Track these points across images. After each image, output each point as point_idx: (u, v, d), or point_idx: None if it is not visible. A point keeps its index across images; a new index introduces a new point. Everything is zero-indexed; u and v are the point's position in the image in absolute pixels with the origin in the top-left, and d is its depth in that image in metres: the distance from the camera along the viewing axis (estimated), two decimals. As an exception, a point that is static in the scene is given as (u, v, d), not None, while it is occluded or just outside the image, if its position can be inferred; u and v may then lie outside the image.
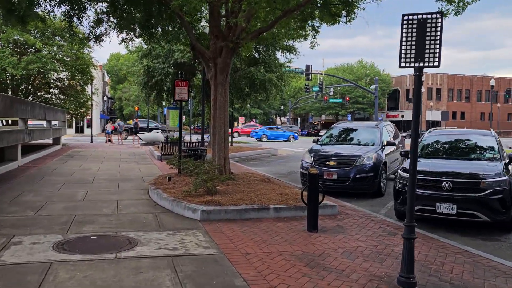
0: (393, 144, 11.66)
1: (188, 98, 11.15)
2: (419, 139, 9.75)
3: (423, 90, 52.25)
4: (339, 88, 66.22)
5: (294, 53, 22.78)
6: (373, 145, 11.40)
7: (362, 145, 11.48)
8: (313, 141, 12.76)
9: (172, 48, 19.71)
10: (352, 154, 10.72)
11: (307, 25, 12.17)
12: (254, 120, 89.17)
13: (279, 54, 22.55)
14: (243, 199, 8.06)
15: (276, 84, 21.32)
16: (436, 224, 7.84)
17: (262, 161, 20.79)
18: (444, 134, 9.52)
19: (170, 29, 11.42)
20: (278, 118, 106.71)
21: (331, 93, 56.24)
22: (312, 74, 37.19)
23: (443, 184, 7.31)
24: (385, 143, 11.55)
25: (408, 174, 8.00)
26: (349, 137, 12.10)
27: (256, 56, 22.03)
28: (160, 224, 7.02)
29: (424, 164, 7.95)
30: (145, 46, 20.97)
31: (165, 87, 22.00)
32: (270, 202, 7.99)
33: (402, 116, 70.42)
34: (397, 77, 76.83)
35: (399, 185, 7.87)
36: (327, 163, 10.68)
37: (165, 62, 19.80)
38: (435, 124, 69.94)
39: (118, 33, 10.75)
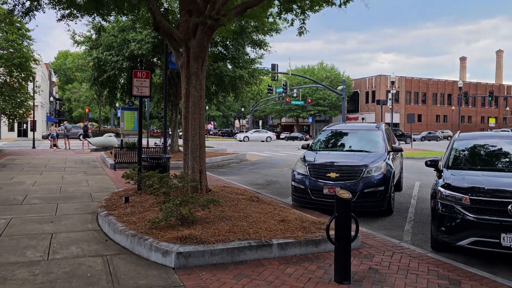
0: (400, 150, 9.75)
1: (150, 94, 8.69)
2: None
3: (392, 93, 52.41)
4: (300, 90, 65.00)
5: (265, 48, 20.76)
6: (378, 151, 9.43)
7: (365, 151, 9.47)
8: (303, 147, 10.63)
9: (128, 38, 16.99)
10: (357, 163, 8.68)
11: (295, 6, 10.05)
12: (212, 122, 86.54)
13: (249, 50, 20.33)
14: (233, 231, 5.76)
15: (248, 82, 19.08)
16: (492, 260, 5.90)
17: (231, 168, 18.50)
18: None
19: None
20: (237, 121, 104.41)
21: (294, 95, 54.74)
22: (278, 75, 35.32)
23: (509, 207, 5.37)
24: (390, 149, 9.62)
25: (459, 194, 5.65)
26: (347, 142, 10.06)
27: (222, 50, 19.74)
28: (113, 280, 4.58)
29: (473, 179, 6.00)
30: (94, 36, 18.12)
31: (119, 84, 19.17)
32: (271, 235, 5.74)
33: (363, 119, 70.34)
34: (357, 80, 76.88)
35: (442, 208, 5.86)
36: (328, 175, 8.58)
37: (118, 54, 17.03)
38: (395, 126, 70.36)
39: (55, 5, 8.11)
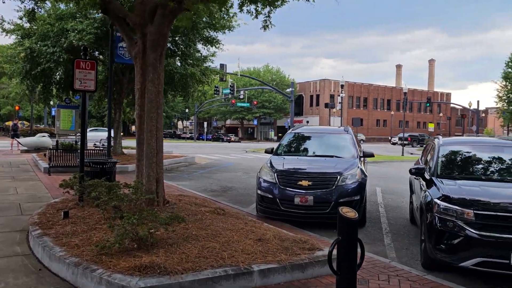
0: (371, 155, 9.15)
1: (96, 88, 7.38)
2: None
3: (342, 98, 53.24)
4: (246, 92, 64.38)
5: (217, 46, 19.71)
6: (349, 156, 8.75)
7: (336, 157, 8.76)
8: (266, 151, 9.74)
9: (66, 27, 15.20)
10: (330, 170, 7.92)
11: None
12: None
13: (200, 47, 19.14)
14: (203, 256, 4.72)
15: (200, 80, 17.89)
16: (495, 281, 5.31)
17: (181, 172, 17.23)
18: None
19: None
20: (180, 122, 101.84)
21: (241, 97, 53.97)
22: (226, 76, 34.34)
23: None
24: (361, 154, 8.99)
25: (460, 207, 4.96)
26: (315, 146, 9.28)
27: (171, 46, 18.43)
28: (52, 335, 3.39)
29: (472, 190, 5.41)
30: (27, 25, 16.09)
31: (55, 79, 17.19)
32: (249, 259, 4.77)
33: (307, 122, 71.10)
34: (301, 83, 77.68)
35: (441, 224, 5.19)
36: (299, 183, 7.74)
37: (55, 45, 15.17)
38: (337, 130, 71.69)
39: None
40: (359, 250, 3.92)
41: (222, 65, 31.73)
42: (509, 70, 36.26)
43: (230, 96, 49.08)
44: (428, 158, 7.41)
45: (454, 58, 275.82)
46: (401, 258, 6.24)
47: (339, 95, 35.82)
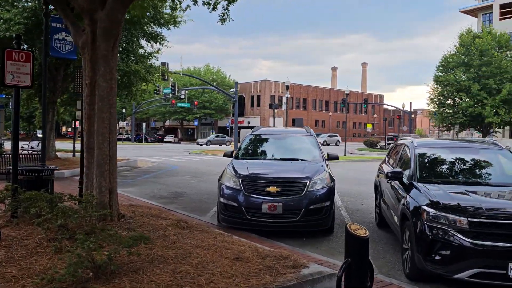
0: (336, 157, 8.76)
1: (32, 83, 6.25)
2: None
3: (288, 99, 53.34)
4: (187, 92, 62.86)
5: (162, 43, 18.68)
6: (315, 159, 8.30)
7: (302, 160, 8.28)
8: (225, 155, 9.04)
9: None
10: (299, 175, 7.41)
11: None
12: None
13: (144, 44, 17.94)
14: (176, 283, 3.95)
15: (145, 78, 16.71)
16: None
17: (124, 177, 15.99)
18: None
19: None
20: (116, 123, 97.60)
21: (182, 97, 52.44)
22: (167, 75, 32.95)
23: None
24: (327, 157, 8.59)
25: (452, 215, 4.58)
26: (279, 149, 8.72)
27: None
28: None
29: (461, 196, 5.12)
30: None
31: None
32: (231, 284, 4.08)
33: (249, 122, 70.98)
34: (242, 83, 77.35)
35: (431, 233, 4.83)
36: (267, 189, 7.14)
37: (-23, 36, 13.37)
38: (278, 130, 72.30)
39: None
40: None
41: (164, 64, 30.37)
42: (440, 74, 38.23)
43: (170, 96, 47.47)
44: (400, 161, 7.13)
45: (384, 62, 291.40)
46: (381, 269, 5.84)
47: (284, 96, 35.73)
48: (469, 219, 4.63)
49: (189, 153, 33.42)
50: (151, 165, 21.66)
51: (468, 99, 35.51)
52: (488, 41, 34.92)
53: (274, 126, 41.76)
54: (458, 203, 4.86)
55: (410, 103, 50.25)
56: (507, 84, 33.61)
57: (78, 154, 22.81)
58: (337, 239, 7.38)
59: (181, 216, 7.71)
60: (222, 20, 8.67)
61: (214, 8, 8.79)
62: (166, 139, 68.09)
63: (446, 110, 38.15)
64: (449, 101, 38.39)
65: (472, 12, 51.02)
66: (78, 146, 29.36)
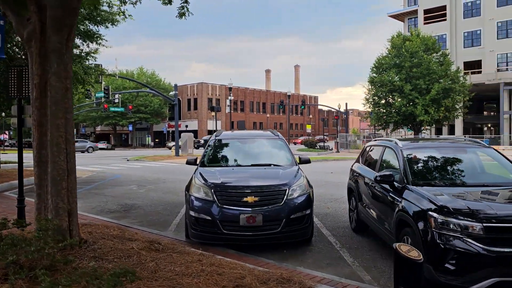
0: (308, 161, 8.29)
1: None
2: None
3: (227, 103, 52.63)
4: (120, 95, 59.96)
5: (99, 42, 17.23)
6: (288, 164, 7.76)
7: (275, 165, 7.70)
8: (188, 162, 8.20)
9: None
10: (277, 182, 6.82)
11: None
12: (8, 131, 73.12)
13: (79, 43, 16.37)
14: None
15: (83, 80, 15.22)
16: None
17: (62, 190, 14.41)
18: None
19: None
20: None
21: (116, 101, 49.81)
22: (101, 77, 30.88)
23: None
24: (299, 161, 8.09)
25: (464, 221, 4.24)
26: (248, 154, 8.06)
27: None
28: None
29: (468, 201, 4.81)
30: None
31: None
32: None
33: (186, 126, 69.40)
34: (179, 86, 75.47)
35: (442, 241, 4.46)
36: (244, 199, 6.47)
37: None
38: (216, 133, 71.52)
39: None
40: None
41: (98, 66, 28.38)
42: (374, 75, 39.75)
43: (103, 100, 44.84)
44: (382, 163, 6.80)
45: (315, 65, 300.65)
46: (378, 280, 5.42)
47: (228, 98, 35.05)
48: (485, 224, 4.31)
49: (128, 160, 31.62)
50: (89, 174, 19.97)
51: (401, 99, 37.19)
52: (417, 43, 36.83)
53: (216, 129, 40.91)
54: (468, 207, 4.53)
55: (346, 104, 51.84)
56: (435, 84, 35.63)
57: (5, 166, 20.43)
58: (319, 249, 6.89)
59: (147, 235, 6.81)
60: (181, 14, 7.87)
61: (169, 2, 7.97)
62: (99, 145, 64.49)
63: (381, 109, 39.69)
64: (383, 101, 39.99)
65: (399, 16, 53.83)
66: (8, 156, 26.43)
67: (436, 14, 48.33)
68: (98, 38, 17.10)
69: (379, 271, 5.78)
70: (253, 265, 5.01)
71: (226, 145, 8.40)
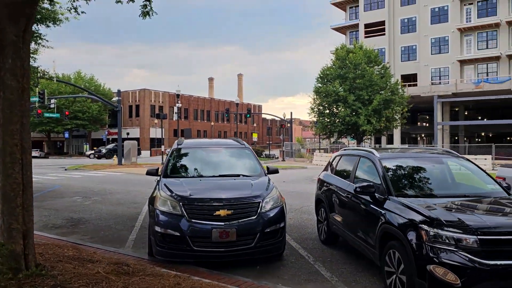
0: (276, 171, 7.97)
1: None
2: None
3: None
4: (55, 100, 56.55)
5: (38, 42, 16.02)
6: (257, 174, 7.39)
7: (244, 176, 7.30)
8: (149, 173, 7.58)
9: None
10: (249, 194, 6.42)
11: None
12: None
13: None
14: None
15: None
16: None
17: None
18: None
19: None
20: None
21: (52, 106, 46.81)
22: (37, 81, 28.73)
23: None
24: (267, 171, 7.76)
25: (458, 233, 4.16)
26: (215, 164, 7.57)
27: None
28: None
29: (454, 210, 4.72)
30: None
31: None
32: None
33: (128, 134, 66.89)
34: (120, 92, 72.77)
35: (435, 254, 4.31)
36: (216, 213, 6.01)
37: None
38: (159, 141, 69.75)
39: None
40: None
41: (36, 68, 26.38)
42: (319, 85, 40.61)
43: (37, 105, 41.93)
44: (358, 173, 6.64)
45: (257, 74, 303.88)
46: (363, 296, 5.21)
47: (175, 105, 34.08)
48: (479, 237, 4.21)
49: (65, 169, 29.67)
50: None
51: (345, 109, 38.25)
52: (360, 56, 38.15)
53: (162, 137, 39.70)
54: (460, 219, 4.43)
55: (291, 113, 52.69)
56: (377, 96, 37.04)
57: None
58: (292, 263, 6.58)
59: (108, 254, 6.12)
60: (145, 14, 7.31)
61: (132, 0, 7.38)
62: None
63: (326, 119, 40.56)
64: (328, 111, 40.91)
65: (341, 29, 55.73)
66: None
67: (376, 29, 50.57)
68: (38, 38, 15.89)
69: (360, 286, 5.57)
70: (234, 286, 4.57)
71: (190, 154, 7.87)
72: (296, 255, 6.99)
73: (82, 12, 8.35)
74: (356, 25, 52.95)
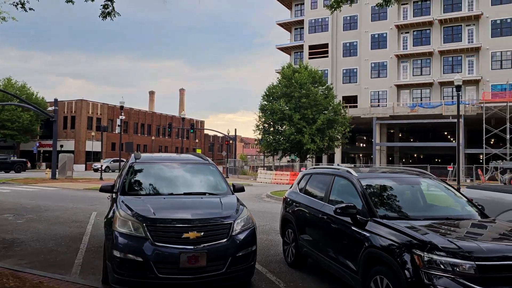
0: (242, 189, 7.48)
1: None
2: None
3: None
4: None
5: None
6: (224, 192, 6.88)
7: (210, 194, 6.76)
8: (103, 189, 6.79)
9: None
10: (219, 214, 5.90)
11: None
12: None
13: None
14: None
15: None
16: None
17: None
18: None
19: None
20: None
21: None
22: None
23: None
24: (233, 189, 7.26)
25: (455, 259, 4.01)
26: (178, 181, 6.92)
27: None
28: None
29: (449, 234, 4.55)
30: None
31: None
32: None
33: (61, 146, 62.97)
34: (52, 102, 68.67)
35: (429, 281, 4.08)
36: (185, 235, 5.43)
37: None
38: (96, 155, 66.51)
39: None
40: None
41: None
42: (265, 102, 40.88)
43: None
44: (333, 193, 6.37)
45: (199, 89, 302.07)
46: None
47: (119, 118, 32.45)
48: (477, 262, 4.03)
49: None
50: None
51: (289, 127, 38.69)
52: (305, 75, 38.98)
53: (102, 150, 37.72)
54: (454, 244, 4.24)
55: (235, 129, 52.45)
56: (321, 115, 37.92)
57: None
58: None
59: (57, 283, 5.29)
60: (106, 15, 6.65)
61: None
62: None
63: (271, 136, 40.77)
64: (273, 129, 41.18)
65: (286, 49, 56.92)
66: None
67: (319, 51, 52.20)
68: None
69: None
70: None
71: (150, 169, 7.19)
72: (265, 280, 6.54)
73: (30, 9, 7.50)
74: (301, 46, 54.34)
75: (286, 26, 57.05)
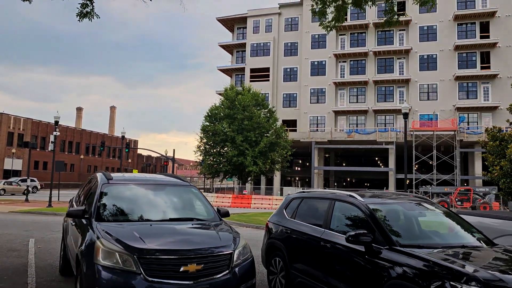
0: (227, 214, 6.81)
1: None
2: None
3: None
4: None
5: None
6: (210, 218, 6.19)
7: (198, 219, 6.05)
8: (71, 214, 5.81)
9: None
10: (218, 243, 5.23)
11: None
12: None
13: None
14: None
15: None
16: None
17: None
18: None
19: None
20: None
21: None
22: None
23: None
24: (219, 213, 6.60)
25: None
26: (161, 205, 6.08)
27: None
28: None
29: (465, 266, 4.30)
30: None
31: None
32: None
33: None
34: (-32, 114, 62.45)
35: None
36: (183, 269, 4.71)
37: None
38: (16, 173, 61.27)
39: None
40: None
41: None
42: (207, 123, 40.21)
43: None
44: (333, 219, 5.97)
45: (129, 108, 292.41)
46: None
47: (53, 134, 29.87)
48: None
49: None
50: None
51: (232, 150, 38.23)
52: (248, 98, 39.01)
53: (29, 169, 34.59)
54: (496, 276, 3.99)
55: (174, 150, 51.23)
56: (264, 138, 37.99)
57: None
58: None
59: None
60: (83, 15, 5.86)
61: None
62: None
63: (212, 158, 40.01)
64: (214, 150, 40.47)
65: (227, 71, 56.95)
66: None
67: (261, 74, 52.83)
68: None
69: None
70: None
71: (126, 192, 6.29)
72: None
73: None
74: (242, 69, 54.67)
75: (228, 48, 57.27)
